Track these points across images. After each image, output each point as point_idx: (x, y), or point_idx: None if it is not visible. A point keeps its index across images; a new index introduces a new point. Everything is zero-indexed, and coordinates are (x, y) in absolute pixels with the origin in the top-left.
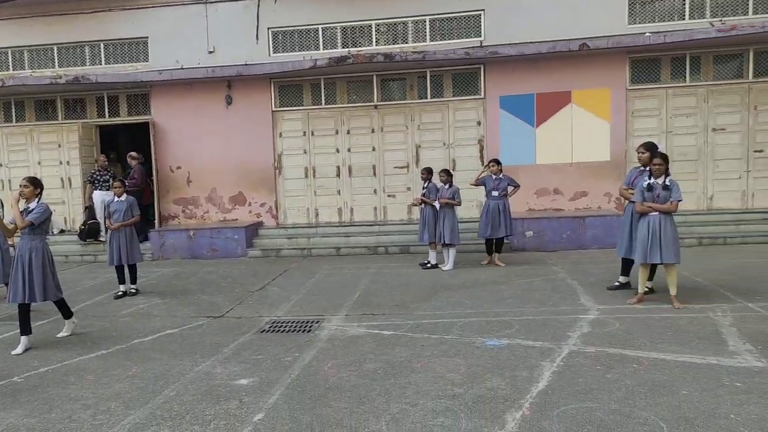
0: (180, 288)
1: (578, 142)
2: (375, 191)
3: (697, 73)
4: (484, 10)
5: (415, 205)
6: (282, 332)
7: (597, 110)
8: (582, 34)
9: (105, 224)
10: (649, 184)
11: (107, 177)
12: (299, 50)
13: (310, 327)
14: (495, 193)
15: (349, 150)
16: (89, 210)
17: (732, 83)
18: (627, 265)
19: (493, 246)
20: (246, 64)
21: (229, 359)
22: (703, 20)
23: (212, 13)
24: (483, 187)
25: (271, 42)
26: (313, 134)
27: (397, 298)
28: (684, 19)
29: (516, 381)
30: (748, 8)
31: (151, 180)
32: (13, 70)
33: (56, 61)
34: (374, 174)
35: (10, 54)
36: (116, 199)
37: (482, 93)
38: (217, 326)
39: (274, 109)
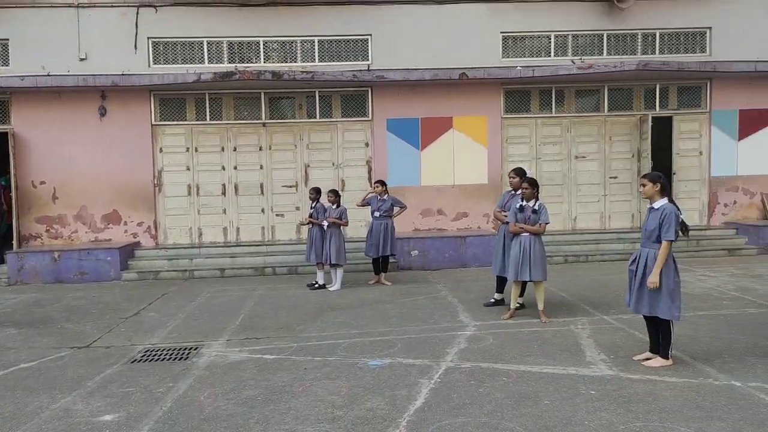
0: (40, 316)
1: (459, 165)
2: (263, 210)
3: (562, 105)
4: (371, 35)
5: (304, 224)
6: (156, 361)
7: (476, 136)
8: (461, 64)
9: None
10: (521, 205)
11: None
12: (182, 62)
13: (188, 354)
14: (377, 214)
15: (235, 168)
16: None
17: (591, 116)
18: (501, 283)
19: (380, 265)
20: (123, 74)
21: (93, 393)
22: (566, 58)
23: (85, 19)
24: (369, 207)
25: (151, 52)
26: (197, 150)
27: (283, 321)
28: (550, 56)
29: (395, 400)
30: (603, 49)
31: (10, 196)
32: None
33: None
34: (262, 193)
35: None
36: None
37: (370, 115)
38: (82, 357)
39: (154, 122)
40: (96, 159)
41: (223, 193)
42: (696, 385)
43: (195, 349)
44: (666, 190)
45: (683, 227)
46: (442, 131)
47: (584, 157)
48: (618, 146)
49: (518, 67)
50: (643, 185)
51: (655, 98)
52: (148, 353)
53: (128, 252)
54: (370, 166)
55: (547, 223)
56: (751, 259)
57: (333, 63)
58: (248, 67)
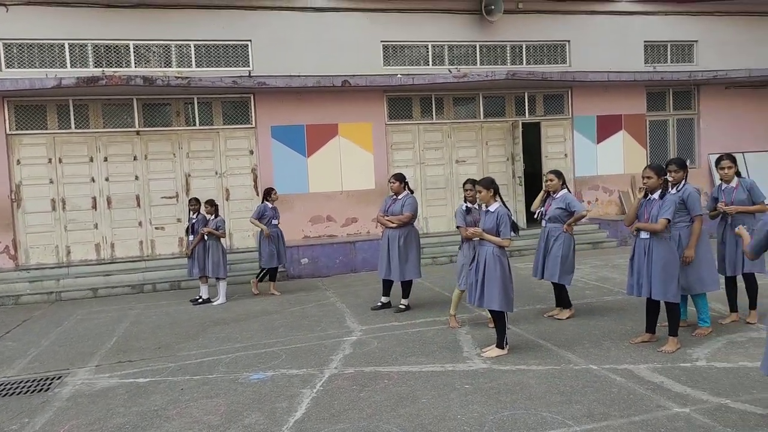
0: None
1: (347, 171)
2: (140, 224)
3: (442, 112)
4: (251, 40)
5: (187, 254)
6: (11, 395)
7: (361, 142)
8: (344, 71)
9: None
10: (467, 207)
11: None
12: (41, 66)
13: (49, 385)
14: (275, 222)
15: (107, 179)
16: None
17: (468, 122)
18: (387, 286)
19: (267, 275)
20: None
21: None
22: (443, 67)
23: None
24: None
25: (2, 55)
26: (61, 161)
27: (162, 340)
28: (429, 65)
29: (275, 413)
30: (476, 59)
31: None
32: None
33: None
34: (138, 205)
35: None
36: None
37: (254, 122)
38: None
39: (8, 132)
40: None
41: (94, 207)
42: (559, 372)
43: (58, 379)
44: (498, 194)
45: (514, 227)
46: (328, 138)
47: (464, 161)
48: (494, 150)
49: (399, 75)
50: (479, 192)
51: (525, 105)
52: (2, 387)
53: None
54: (256, 174)
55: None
56: (611, 251)
57: (212, 68)
58: (117, 71)
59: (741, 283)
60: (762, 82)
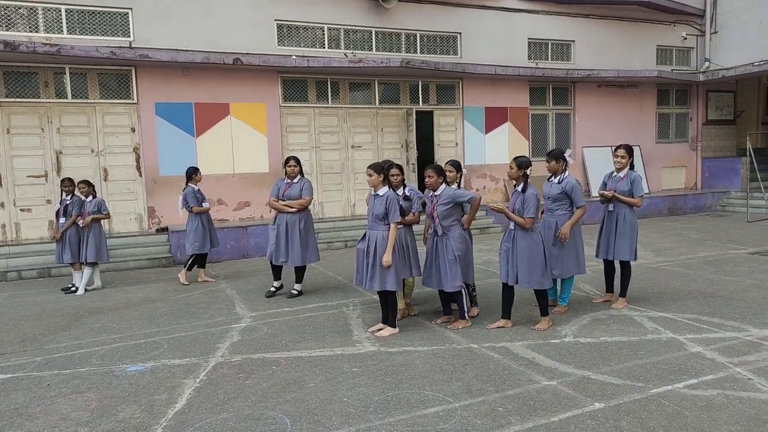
0: None
1: (239, 153)
2: (2, 205)
3: (338, 96)
4: (131, 9)
5: (57, 239)
6: None
7: (254, 123)
8: (234, 49)
9: None
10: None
11: None
12: None
13: None
14: (206, 204)
15: None
16: None
17: (364, 107)
18: (277, 271)
19: (195, 263)
20: None
21: None
22: (339, 51)
23: None
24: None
25: None
26: None
27: (27, 332)
28: (324, 47)
29: (153, 406)
30: (372, 46)
31: None
32: None
33: None
34: (0, 184)
35: None
36: None
37: (135, 98)
38: None
39: None
40: None
41: None
42: (442, 351)
43: None
44: (387, 180)
45: (401, 211)
46: (219, 118)
47: (360, 146)
48: (389, 137)
49: (293, 57)
50: (370, 175)
51: (419, 94)
52: None
53: None
54: (138, 153)
55: (420, 211)
56: (497, 236)
57: (86, 36)
58: None
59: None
60: (628, 82)
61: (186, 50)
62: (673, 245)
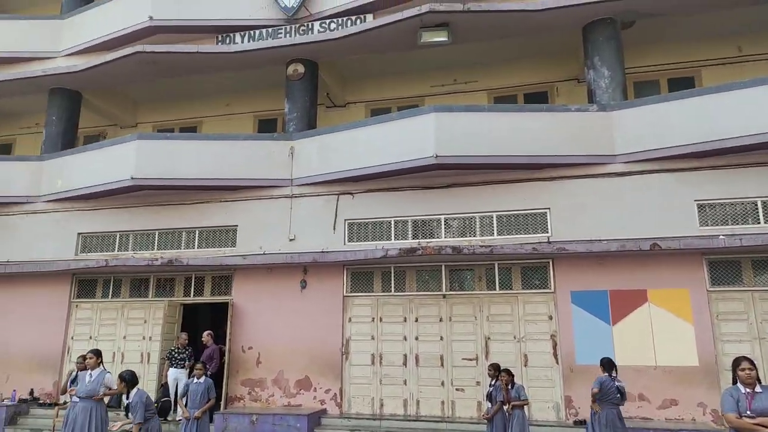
0: None
1: (660, 343)
2: (442, 383)
3: None
4: (549, 208)
5: (486, 418)
6: None
7: (677, 311)
8: (649, 234)
9: (179, 405)
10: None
11: (184, 356)
12: (372, 240)
13: None
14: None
15: (416, 338)
16: (164, 387)
17: None
18: None
19: None
20: (322, 252)
21: None
22: None
23: (296, 206)
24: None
25: (346, 232)
26: (381, 320)
27: None
28: (759, 223)
29: None
30: None
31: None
32: (118, 251)
33: (155, 244)
34: (442, 365)
35: (117, 237)
36: (195, 380)
37: (552, 287)
38: None
39: (345, 294)
40: (295, 327)
41: (404, 364)
42: None
43: None
44: None
45: None
46: (636, 305)
47: None
48: None
49: (721, 237)
50: None
51: None
52: None
53: (315, 420)
54: (555, 340)
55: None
56: None
57: (511, 236)
58: (430, 242)
59: None
60: None
61: (600, 240)
62: None
